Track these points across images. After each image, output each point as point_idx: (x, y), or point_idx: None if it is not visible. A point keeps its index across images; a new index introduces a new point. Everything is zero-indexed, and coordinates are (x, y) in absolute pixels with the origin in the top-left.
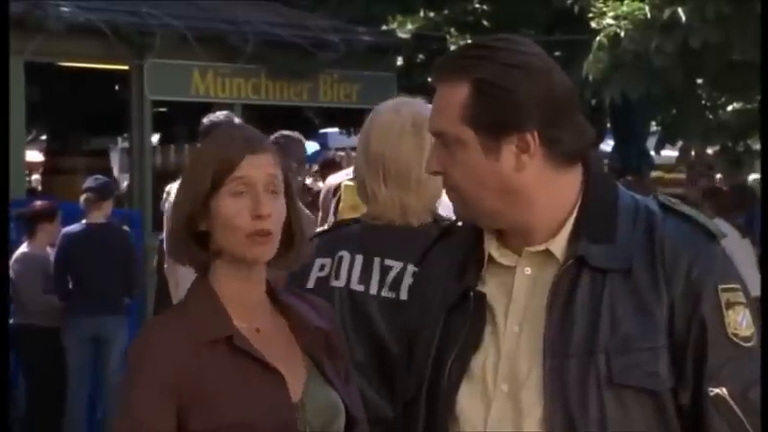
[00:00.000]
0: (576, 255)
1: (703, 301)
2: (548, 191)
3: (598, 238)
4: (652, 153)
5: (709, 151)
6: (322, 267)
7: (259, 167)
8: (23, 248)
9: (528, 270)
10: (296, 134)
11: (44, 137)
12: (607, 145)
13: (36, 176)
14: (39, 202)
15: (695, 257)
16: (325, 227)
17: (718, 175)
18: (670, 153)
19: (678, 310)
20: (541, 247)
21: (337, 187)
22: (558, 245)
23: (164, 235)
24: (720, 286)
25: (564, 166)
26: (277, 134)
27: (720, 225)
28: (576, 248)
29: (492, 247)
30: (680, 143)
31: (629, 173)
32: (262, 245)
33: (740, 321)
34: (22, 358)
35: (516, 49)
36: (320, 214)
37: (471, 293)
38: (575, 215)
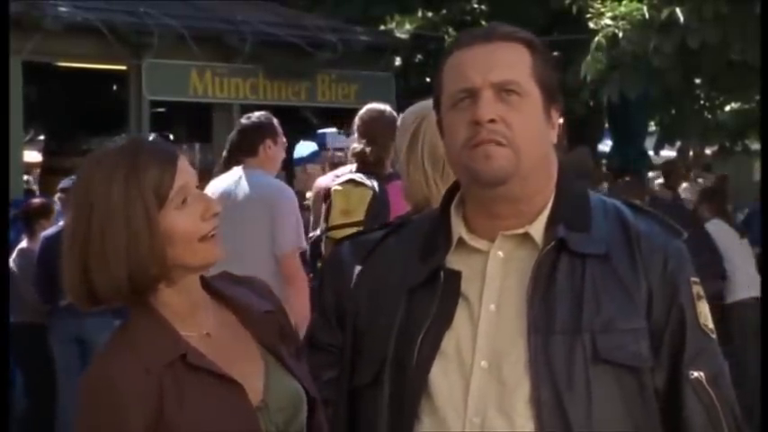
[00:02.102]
0: (556, 237)
1: (680, 292)
2: (553, 172)
3: (574, 226)
4: (651, 153)
5: (708, 151)
6: None
7: (186, 172)
8: (22, 245)
9: (500, 254)
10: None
11: (42, 137)
12: (605, 145)
13: (34, 176)
14: (33, 200)
15: (668, 252)
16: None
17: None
18: (669, 153)
19: (656, 298)
20: (520, 231)
21: (327, 192)
22: (537, 229)
23: None
24: (692, 279)
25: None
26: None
27: (719, 226)
28: (556, 232)
29: (462, 231)
30: (678, 143)
31: (627, 173)
32: (216, 245)
33: (707, 314)
34: (18, 355)
35: None
36: (311, 217)
37: (442, 272)
38: (551, 204)
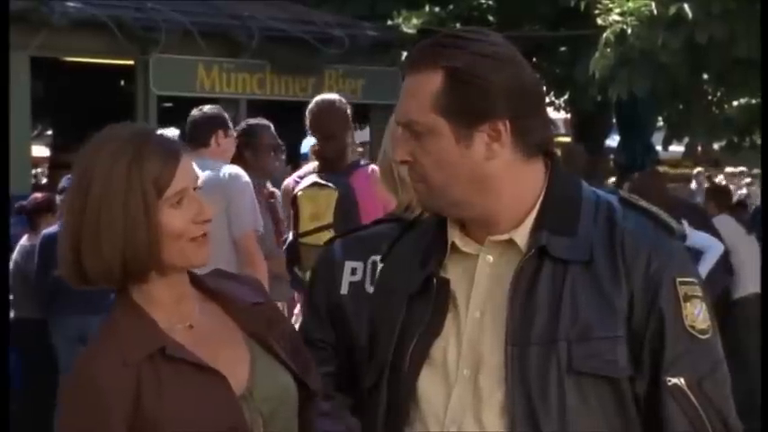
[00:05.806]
0: (538, 245)
1: (662, 293)
2: (515, 181)
3: (559, 230)
4: (659, 148)
5: (716, 146)
6: (354, 271)
7: (188, 172)
8: (23, 241)
9: (490, 258)
10: (263, 121)
11: (50, 132)
12: (613, 140)
13: (42, 171)
14: (39, 195)
15: (654, 251)
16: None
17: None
18: (677, 148)
19: (637, 302)
20: (505, 237)
21: (294, 198)
22: (521, 235)
23: None
24: (678, 279)
25: (531, 157)
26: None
27: (726, 222)
28: (539, 239)
29: (455, 236)
30: (686, 139)
31: (634, 168)
32: (204, 246)
33: (697, 314)
34: (19, 351)
35: (487, 40)
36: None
37: (434, 279)
38: (538, 207)
